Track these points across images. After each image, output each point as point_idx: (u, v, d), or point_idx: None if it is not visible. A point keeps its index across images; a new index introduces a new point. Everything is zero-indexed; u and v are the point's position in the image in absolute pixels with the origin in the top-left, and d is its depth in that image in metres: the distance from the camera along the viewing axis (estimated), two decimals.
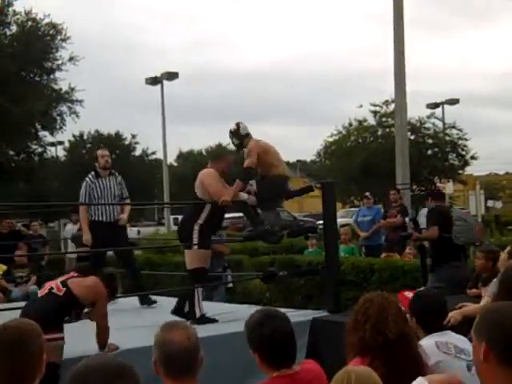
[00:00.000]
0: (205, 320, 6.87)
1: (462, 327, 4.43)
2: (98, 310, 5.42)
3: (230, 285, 10.31)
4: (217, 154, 7.36)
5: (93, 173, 8.67)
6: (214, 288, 9.55)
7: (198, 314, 6.92)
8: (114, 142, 46.20)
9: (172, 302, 7.41)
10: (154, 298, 8.64)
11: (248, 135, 7.50)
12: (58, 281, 5.41)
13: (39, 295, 5.40)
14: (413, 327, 3.74)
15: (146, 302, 8.50)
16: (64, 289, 5.28)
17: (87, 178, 8.63)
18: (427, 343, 3.64)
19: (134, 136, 47.07)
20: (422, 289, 4.13)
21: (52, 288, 5.31)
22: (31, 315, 5.08)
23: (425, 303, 3.85)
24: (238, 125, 7.54)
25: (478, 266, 6.61)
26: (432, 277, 7.51)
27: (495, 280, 4.38)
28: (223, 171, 7.30)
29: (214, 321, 6.96)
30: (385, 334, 3.32)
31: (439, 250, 7.61)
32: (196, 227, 7.05)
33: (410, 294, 4.06)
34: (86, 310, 5.63)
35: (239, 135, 7.51)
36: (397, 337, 3.31)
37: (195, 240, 7.03)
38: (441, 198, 9.19)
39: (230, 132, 7.56)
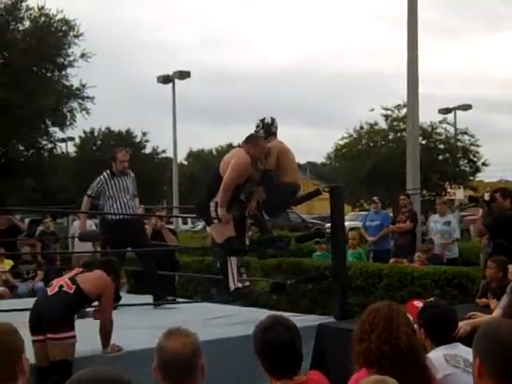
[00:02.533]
0: (238, 294, 7.01)
1: (472, 338, 4.33)
2: (104, 304, 5.44)
3: (247, 283, 10.19)
4: (252, 138, 7.13)
5: (108, 172, 8.68)
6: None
7: (231, 287, 6.98)
8: (125, 140, 46.19)
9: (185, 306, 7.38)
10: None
11: (275, 134, 7.50)
12: (66, 277, 5.43)
13: (49, 293, 5.35)
14: (421, 338, 3.65)
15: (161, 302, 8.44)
16: (74, 286, 5.29)
17: (102, 176, 8.66)
18: (436, 355, 3.55)
19: (144, 134, 47.00)
20: (431, 299, 4.03)
21: (62, 286, 5.31)
22: (44, 314, 5.12)
23: (434, 314, 3.76)
24: (273, 119, 7.53)
25: (489, 275, 6.50)
26: None
27: (508, 290, 4.28)
28: (255, 156, 7.16)
29: (245, 295, 7.15)
30: (392, 345, 3.24)
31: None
32: (212, 204, 7.04)
33: (419, 304, 3.98)
34: (91, 309, 5.61)
35: (269, 129, 7.47)
36: (404, 348, 3.23)
37: (213, 214, 7.02)
38: None
39: (262, 122, 7.50)
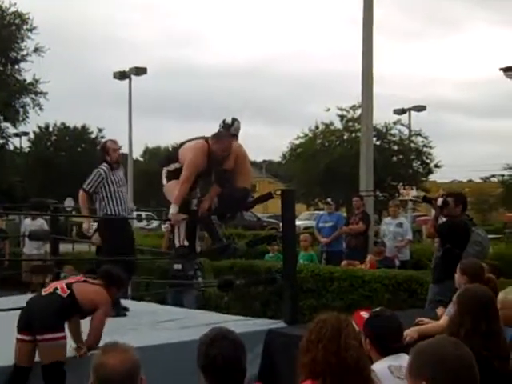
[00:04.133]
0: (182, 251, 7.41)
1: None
2: (99, 315, 5.42)
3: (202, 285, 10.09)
4: (217, 134, 7.10)
5: (106, 165, 8.07)
6: (185, 291, 9.43)
7: (177, 244, 7.35)
8: (80, 136, 45.79)
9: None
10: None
11: (235, 136, 7.50)
12: (64, 282, 5.47)
13: (43, 293, 5.41)
14: (366, 349, 3.65)
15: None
16: (68, 291, 5.32)
17: (101, 169, 8.02)
18: (380, 367, 3.54)
19: (100, 130, 46.67)
20: (377, 309, 4.03)
21: (56, 288, 5.35)
22: (35, 313, 5.20)
23: (379, 324, 3.75)
24: (233, 120, 7.55)
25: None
26: (435, 288, 7.30)
27: (454, 300, 4.30)
28: (216, 152, 7.17)
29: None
30: (338, 356, 3.21)
31: (448, 263, 7.10)
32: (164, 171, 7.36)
33: (365, 315, 3.97)
34: None
35: (227, 130, 7.48)
36: (351, 360, 3.21)
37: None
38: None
39: (223, 122, 7.53)
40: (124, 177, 8.44)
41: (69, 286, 5.38)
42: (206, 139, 7.25)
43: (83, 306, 5.37)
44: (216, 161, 7.20)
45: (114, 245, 7.84)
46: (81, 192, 8.14)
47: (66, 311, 5.31)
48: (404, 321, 4.23)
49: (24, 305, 5.43)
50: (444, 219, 7.50)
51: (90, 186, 7.99)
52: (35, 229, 12.73)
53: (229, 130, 7.47)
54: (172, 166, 7.32)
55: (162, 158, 7.57)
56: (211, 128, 7.65)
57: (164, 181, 7.44)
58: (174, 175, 7.27)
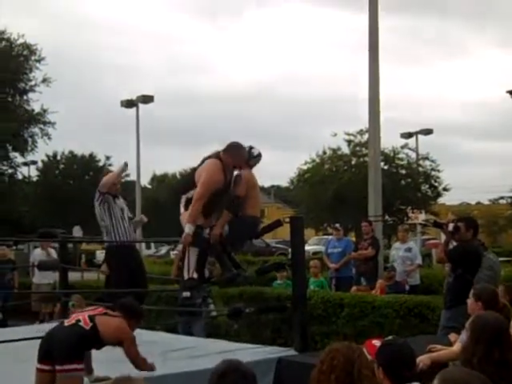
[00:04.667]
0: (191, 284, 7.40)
1: (432, 372, 4.30)
2: (128, 351, 5.45)
3: (214, 313, 9.98)
4: (233, 147, 7.15)
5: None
6: (193, 320, 9.37)
7: (185, 276, 7.37)
8: (88, 164, 45.93)
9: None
10: None
11: (251, 167, 7.47)
12: (86, 314, 5.47)
13: (65, 324, 5.43)
14: (379, 378, 3.61)
15: None
16: (91, 323, 5.34)
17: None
18: None
19: (108, 158, 46.76)
20: (389, 338, 3.99)
21: (79, 320, 5.37)
22: (56, 343, 5.24)
23: (392, 353, 3.70)
24: (258, 155, 7.49)
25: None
26: (447, 314, 7.23)
27: (467, 326, 4.25)
28: (229, 165, 7.21)
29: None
30: None
31: (460, 288, 6.89)
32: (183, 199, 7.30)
33: (377, 343, 3.93)
34: None
35: (248, 160, 7.43)
36: None
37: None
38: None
39: (249, 151, 7.43)
40: (126, 207, 8.42)
41: (91, 318, 5.40)
42: (218, 155, 7.25)
43: (104, 339, 5.40)
44: (231, 172, 7.26)
45: (121, 274, 7.92)
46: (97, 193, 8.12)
47: (87, 343, 5.35)
48: (416, 347, 4.19)
49: (39, 335, 5.47)
50: (455, 244, 7.46)
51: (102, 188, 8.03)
52: (44, 259, 12.75)
53: (249, 160, 7.44)
54: (191, 193, 7.22)
55: (179, 186, 7.53)
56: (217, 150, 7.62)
57: (182, 209, 7.36)
58: None
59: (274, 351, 7.09)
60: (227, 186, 7.28)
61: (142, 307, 6.13)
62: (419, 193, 35.31)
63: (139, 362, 5.52)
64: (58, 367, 5.13)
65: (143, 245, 31.45)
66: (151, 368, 5.60)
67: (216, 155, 7.28)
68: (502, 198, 55.30)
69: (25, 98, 26.71)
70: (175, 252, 11.35)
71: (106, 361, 5.78)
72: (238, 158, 7.24)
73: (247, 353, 6.78)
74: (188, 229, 7.08)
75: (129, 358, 5.48)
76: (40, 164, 44.55)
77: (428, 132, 37.03)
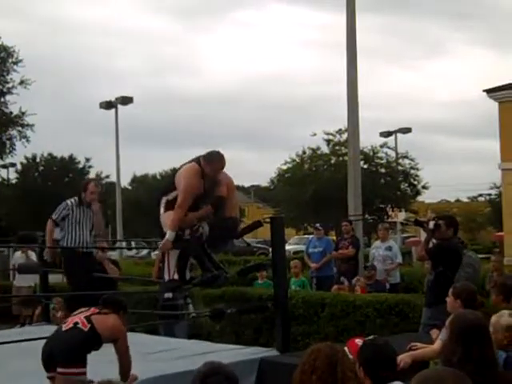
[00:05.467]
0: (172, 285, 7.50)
1: (413, 371, 4.33)
2: (121, 347, 5.46)
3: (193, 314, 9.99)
4: (212, 155, 7.26)
5: (76, 198, 8.59)
6: (176, 322, 9.34)
7: (166, 278, 7.51)
8: (68, 166, 45.65)
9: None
10: None
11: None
12: (82, 316, 5.49)
13: (63, 329, 5.44)
14: (360, 377, 3.63)
15: None
16: (89, 325, 5.37)
17: (69, 201, 8.58)
18: None
19: (87, 159, 46.51)
20: (371, 337, 4.02)
21: (77, 323, 5.40)
22: (58, 348, 5.27)
23: (373, 353, 3.73)
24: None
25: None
26: (428, 312, 7.26)
27: (447, 324, 4.29)
28: (209, 174, 7.25)
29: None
30: None
31: (440, 286, 6.87)
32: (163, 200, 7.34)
33: (360, 342, 3.96)
34: None
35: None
36: None
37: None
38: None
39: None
40: (91, 217, 8.61)
41: (88, 319, 5.42)
42: (198, 161, 7.30)
43: (103, 338, 5.42)
44: (211, 182, 7.29)
45: (77, 279, 8.34)
46: (49, 221, 8.64)
47: (89, 345, 5.38)
48: (398, 345, 4.22)
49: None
50: (435, 241, 7.49)
51: (55, 216, 8.55)
52: (24, 262, 12.66)
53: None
54: (172, 195, 7.31)
55: (161, 187, 7.67)
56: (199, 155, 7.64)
57: (162, 210, 7.43)
58: (173, 205, 7.28)
59: (256, 352, 7.10)
60: (207, 191, 7.32)
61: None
62: (399, 191, 35.49)
63: (128, 359, 5.51)
64: (60, 370, 5.16)
65: (124, 245, 31.26)
66: (135, 378, 5.58)
67: (197, 160, 7.31)
68: (480, 195, 55.92)
69: (2, 100, 26.53)
70: (156, 253, 11.30)
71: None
72: (215, 167, 7.30)
73: (229, 354, 6.78)
74: (169, 235, 7.13)
75: (119, 354, 5.48)
76: (19, 166, 44.33)
77: (407, 131, 37.36)
